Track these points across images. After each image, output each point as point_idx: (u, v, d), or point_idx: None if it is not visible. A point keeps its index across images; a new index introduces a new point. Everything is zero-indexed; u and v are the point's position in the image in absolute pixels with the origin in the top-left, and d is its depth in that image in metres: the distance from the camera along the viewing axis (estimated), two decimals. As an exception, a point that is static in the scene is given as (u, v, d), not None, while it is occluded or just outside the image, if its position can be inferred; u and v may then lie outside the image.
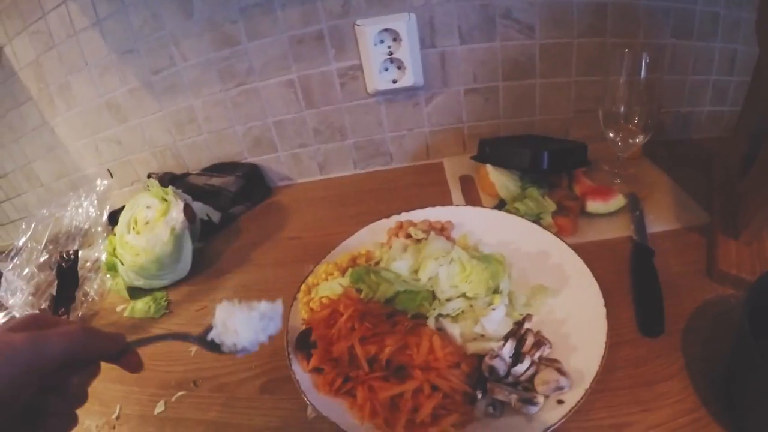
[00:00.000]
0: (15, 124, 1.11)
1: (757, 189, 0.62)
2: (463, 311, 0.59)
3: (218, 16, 0.88)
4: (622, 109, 0.76)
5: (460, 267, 0.60)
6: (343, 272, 0.67)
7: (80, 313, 0.82)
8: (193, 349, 0.69)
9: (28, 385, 0.33)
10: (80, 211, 0.93)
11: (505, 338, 0.56)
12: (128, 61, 0.94)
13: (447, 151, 1.02)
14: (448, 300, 0.60)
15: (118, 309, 0.82)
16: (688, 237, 0.72)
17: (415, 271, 0.62)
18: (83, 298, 0.84)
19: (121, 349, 0.40)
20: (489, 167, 0.83)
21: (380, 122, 0.99)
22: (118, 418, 0.62)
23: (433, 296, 0.60)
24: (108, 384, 0.67)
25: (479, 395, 0.52)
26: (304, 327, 0.61)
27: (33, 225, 0.89)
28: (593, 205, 0.76)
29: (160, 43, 0.92)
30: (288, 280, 0.75)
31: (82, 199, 0.93)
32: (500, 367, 0.53)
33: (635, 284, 0.65)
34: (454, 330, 0.56)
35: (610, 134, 0.79)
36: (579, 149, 0.84)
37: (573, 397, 0.49)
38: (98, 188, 0.94)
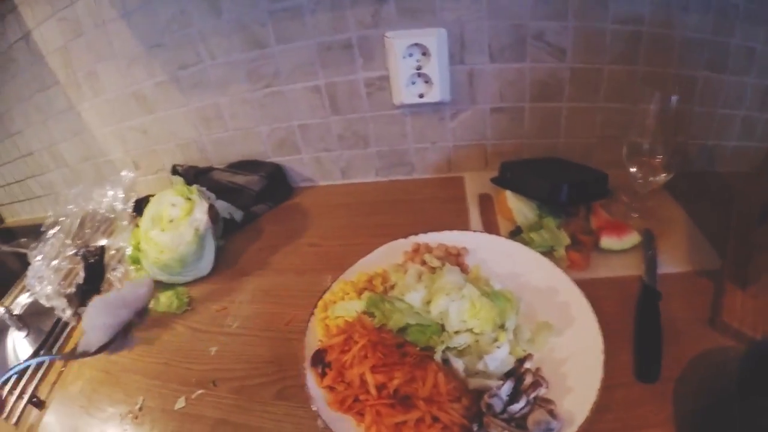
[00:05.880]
0: (42, 105, 1.12)
1: (772, 242, 0.61)
2: (469, 345, 0.62)
3: (247, 17, 0.88)
4: (648, 142, 0.75)
5: (470, 304, 0.62)
6: (359, 293, 0.69)
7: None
8: (213, 349, 0.74)
9: None
10: (105, 200, 0.96)
11: (506, 377, 0.59)
12: (156, 55, 0.94)
13: (468, 166, 1.01)
14: (456, 333, 0.62)
15: (144, 300, 0.85)
16: (697, 281, 0.72)
17: (428, 302, 0.65)
18: (108, 287, 0.88)
19: None
20: (508, 193, 0.83)
21: (404, 134, 0.99)
22: (141, 409, 0.66)
23: (442, 328, 0.63)
24: (132, 375, 0.72)
25: (475, 428, 0.55)
26: (320, 345, 0.65)
27: (61, 220, 0.93)
28: (608, 242, 0.76)
29: (188, 40, 0.91)
30: (305, 289, 0.79)
31: (107, 189, 0.97)
32: (497, 405, 0.56)
33: (638, 327, 0.66)
34: (458, 365, 0.60)
35: (632, 169, 0.78)
36: (599, 180, 0.83)
37: (562, 438, 0.53)
38: (124, 180, 0.97)
